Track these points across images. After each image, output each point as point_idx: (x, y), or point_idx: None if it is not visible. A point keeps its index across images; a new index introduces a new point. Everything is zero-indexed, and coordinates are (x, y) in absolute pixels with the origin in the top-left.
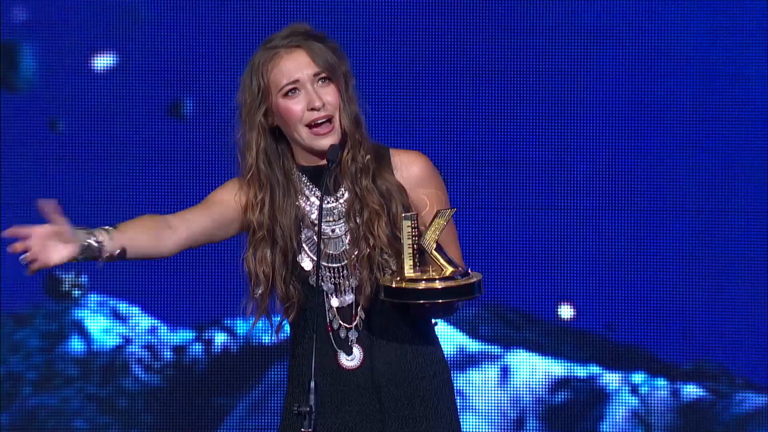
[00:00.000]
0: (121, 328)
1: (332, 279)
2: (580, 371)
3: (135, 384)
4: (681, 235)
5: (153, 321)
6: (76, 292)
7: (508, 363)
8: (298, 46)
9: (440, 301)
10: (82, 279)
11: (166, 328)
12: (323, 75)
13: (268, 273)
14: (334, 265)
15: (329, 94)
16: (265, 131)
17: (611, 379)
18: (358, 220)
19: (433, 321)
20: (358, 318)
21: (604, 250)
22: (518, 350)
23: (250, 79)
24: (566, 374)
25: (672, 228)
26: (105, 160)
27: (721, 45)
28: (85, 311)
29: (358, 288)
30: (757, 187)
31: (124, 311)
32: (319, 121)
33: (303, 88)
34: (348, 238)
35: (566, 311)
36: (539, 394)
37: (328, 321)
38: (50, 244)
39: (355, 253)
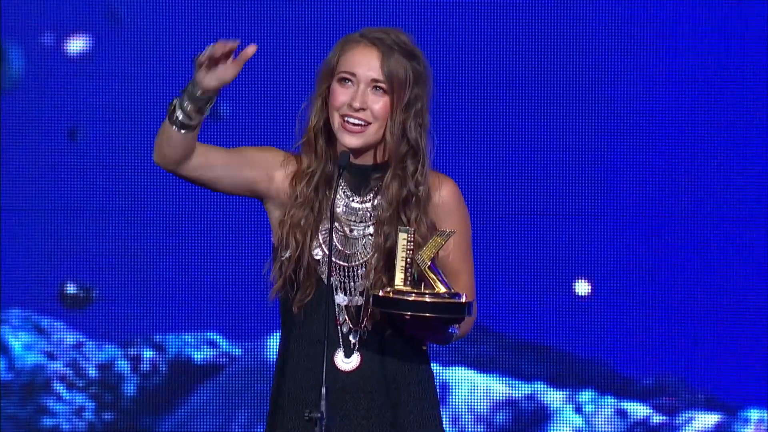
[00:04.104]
0: (43, 344)
1: (340, 276)
2: (525, 389)
3: (57, 403)
4: (655, 245)
5: (78, 336)
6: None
7: (447, 380)
8: (377, 46)
9: (427, 315)
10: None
11: (92, 344)
12: (381, 84)
13: (299, 239)
14: (344, 264)
15: (377, 103)
16: (327, 104)
17: (555, 397)
18: (386, 237)
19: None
20: (364, 324)
21: (566, 258)
22: (457, 367)
23: (333, 51)
24: (509, 392)
25: (635, 236)
26: (110, 164)
27: (717, 52)
28: (6, 327)
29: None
30: (735, 195)
31: (47, 326)
32: (352, 120)
33: (357, 84)
34: (364, 241)
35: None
36: (479, 413)
37: (336, 314)
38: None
39: (373, 261)
